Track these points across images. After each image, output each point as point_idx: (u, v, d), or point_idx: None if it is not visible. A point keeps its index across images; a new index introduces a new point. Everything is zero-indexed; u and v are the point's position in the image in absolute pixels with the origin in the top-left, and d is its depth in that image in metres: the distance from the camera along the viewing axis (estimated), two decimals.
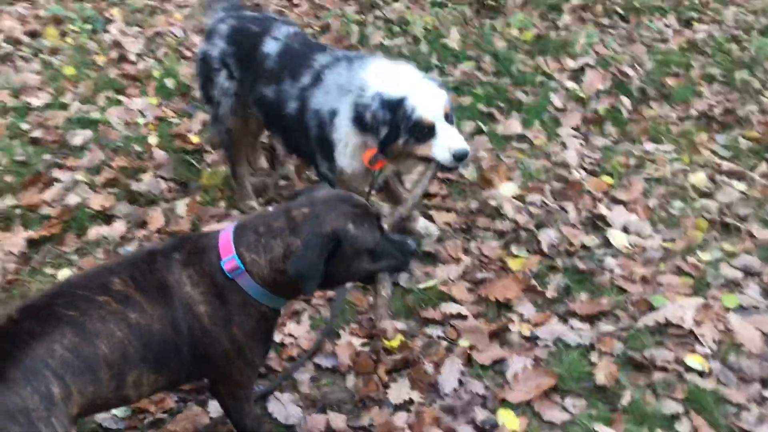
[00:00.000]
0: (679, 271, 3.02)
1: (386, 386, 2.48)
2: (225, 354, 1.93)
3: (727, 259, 3.07)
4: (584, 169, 3.80)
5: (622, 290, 2.91)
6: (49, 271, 2.97)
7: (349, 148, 2.78)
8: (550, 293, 2.88)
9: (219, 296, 1.88)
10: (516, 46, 5.01)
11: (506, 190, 3.51)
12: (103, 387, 1.74)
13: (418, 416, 2.35)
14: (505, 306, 2.83)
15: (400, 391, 2.45)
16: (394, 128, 2.60)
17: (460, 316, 2.77)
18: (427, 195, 3.47)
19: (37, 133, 3.85)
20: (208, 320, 1.88)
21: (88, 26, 5.11)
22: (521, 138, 4.08)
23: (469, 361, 2.58)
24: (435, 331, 2.72)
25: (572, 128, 4.18)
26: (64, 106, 4.12)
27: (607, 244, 3.19)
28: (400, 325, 2.73)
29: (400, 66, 2.84)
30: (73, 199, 3.36)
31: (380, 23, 5.32)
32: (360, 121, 2.68)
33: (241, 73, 3.11)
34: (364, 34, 5.03)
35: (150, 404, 2.38)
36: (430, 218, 3.30)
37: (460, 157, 2.62)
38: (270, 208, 2.06)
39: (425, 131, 2.61)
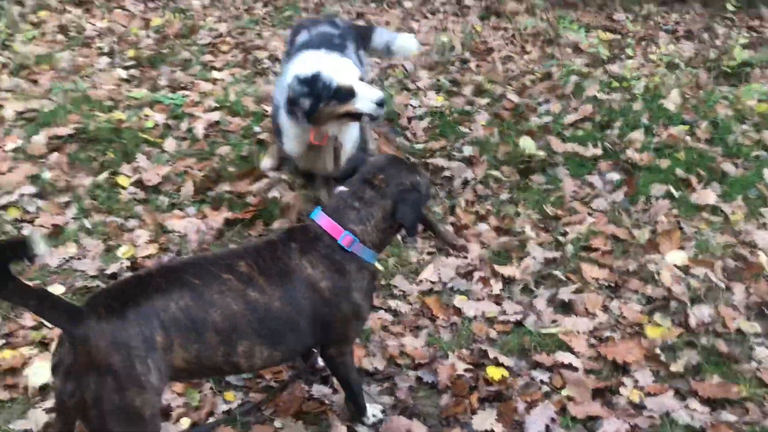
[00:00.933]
0: None
1: (474, 412, 2.56)
2: (344, 318, 2.25)
3: None
4: None
5: (764, 385, 2.65)
6: (232, 246, 3.48)
7: (290, 135, 3.32)
8: (676, 367, 2.72)
9: (338, 271, 2.21)
10: (744, 116, 4.68)
11: (673, 257, 3.35)
12: (209, 349, 2.01)
13: None
14: (622, 369, 2.74)
15: (485, 420, 2.51)
16: (315, 98, 3.03)
17: (571, 367, 2.74)
18: (588, 248, 3.45)
19: (263, 136, 4.50)
20: (329, 293, 2.20)
21: None
22: (714, 210, 3.83)
23: (563, 410, 2.55)
24: (541, 376, 2.72)
25: None
26: None
27: None
28: (509, 361, 2.77)
29: (316, 53, 3.27)
30: (272, 194, 3.89)
31: (604, 77, 5.29)
32: (291, 112, 3.16)
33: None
34: (580, 86, 5.05)
35: (268, 372, 2.72)
36: (578, 271, 3.28)
37: (380, 103, 3.02)
38: (340, 188, 2.37)
39: (346, 93, 3.03)
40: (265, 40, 6.19)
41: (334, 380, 2.60)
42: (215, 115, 4.68)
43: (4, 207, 3.70)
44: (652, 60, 5.81)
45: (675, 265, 3.28)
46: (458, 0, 7.38)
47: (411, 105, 4.94)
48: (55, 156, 4.20)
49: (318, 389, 2.65)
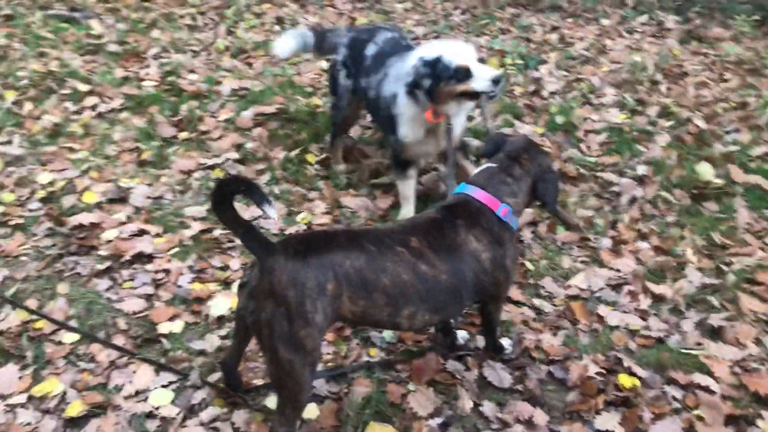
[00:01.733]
0: None
1: (598, 412, 2.63)
2: (498, 283, 2.56)
3: None
4: None
5: None
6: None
7: (408, 119, 3.56)
8: None
9: (498, 242, 2.49)
10: None
11: None
12: (376, 307, 2.28)
13: None
14: (764, 402, 2.66)
15: (607, 421, 2.58)
16: (436, 77, 3.30)
17: (708, 390, 2.71)
18: (752, 281, 3.35)
19: None
20: (489, 264, 2.48)
21: (521, 62, 5.94)
22: None
23: (690, 427, 2.55)
24: (673, 392, 2.72)
25: None
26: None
27: None
28: (643, 373, 2.80)
29: (438, 42, 3.59)
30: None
31: None
32: (412, 93, 3.45)
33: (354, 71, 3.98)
34: None
35: (409, 338, 2.97)
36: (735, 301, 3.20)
37: (496, 80, 3.24)
38: (489, 164, 2.64)
39: (464, 73, 3.27)
40: None
41: (469, 360, 2.81)
42: None
43: (212, 167, 4.28)
44: None
45: None
46: (660, 22, 7.20)
47: (591, 119, 4.98)
48: (258, 130, 4.75)
49: (452, 364, 2.85)
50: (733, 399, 2.69)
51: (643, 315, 3.17)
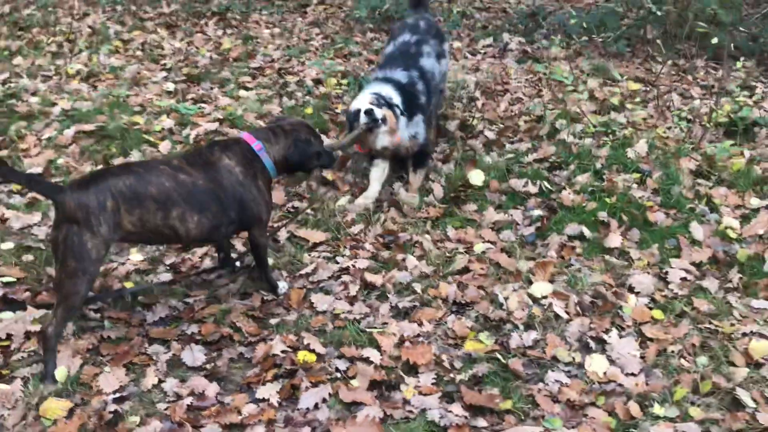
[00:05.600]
0: None
1: (263, 383, 2.94)
2: (255, 199, 3.28)
3: None
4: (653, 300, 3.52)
5: (534, 403, 2.80)
6: None
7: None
8: (460, 376, 2.94)
9: (249, 163, 3.29)
10: (707, 172, 4.64)
11: (537, 287, 3.53)
12: (149, 213, 2.97)
13: None
14: (415, 370, 2.99)
15: (267, 390, 2.89)
16: (349, 125, 4.36)
17: (368, 361, 3.03)
18: (466, 270, 3.70)
19: None
20: (243, 177, 3.24)
21: (353, 82, 6.34)
22: (622, 254, 3.91)
23: (336, 393, 2.86)
24: (339, 364, 3.04)
25: (691, 263, 3.82)
26: None
27: None
28: (322, 350, 3.12)
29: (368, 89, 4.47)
30: None
31: (589, 124, 5.40)
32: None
33: None
34: (557, 129, 5.22)
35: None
36: (435, 287, 3.54)
37: (367, 112, 4.19)
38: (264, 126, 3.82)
39: (357, 113, 4.24)
40: (303, 68, 6.85)
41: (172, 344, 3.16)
42: (214, 125, 5.35)
43: None
44: (663, 112, 5.80)
45: (530, 294, 3.44)
46: (506, 44, 7.65)
47: None
48: (73, 146, 5.04)
49: (154, 348, 3.16)
50: (386, 368, 3.00)
51: (352, 301, 3.49)
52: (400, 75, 4.61)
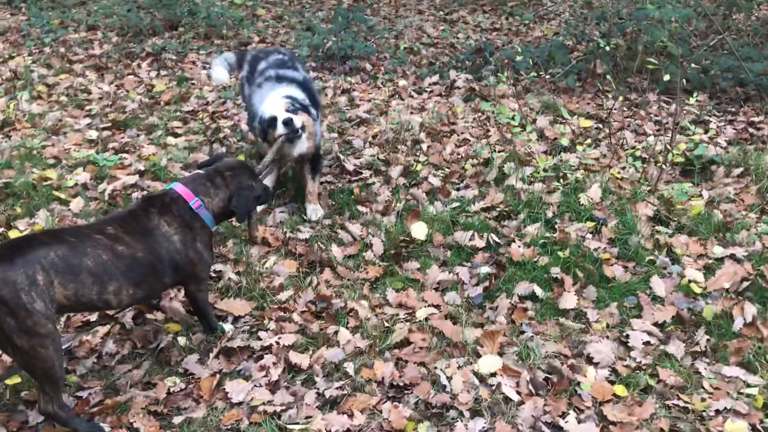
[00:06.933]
0: None
1: None
2: (192, 262, 3.05)
3: None
4: (614, 371, 3.14)
5: None
6: None
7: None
8: None
9: (187, 226, 3.03)
10: (666, 218, 4.32)
11: (485, 362, 3.13)
12: (85, 288, 2.68)
13: None
14: None
15: None
16: (261, 131, 4.28)
17: None
18: (404, 342, 3.28)
19: None
20: (180, 245, 2.99)
21: None
22: (578, 316, 3.54)
23: None
24: None
25: (654, 324, 3.47)
26: None
27: None
28: None
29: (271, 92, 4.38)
30: None
31: (536, 167, 5.08)
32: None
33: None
34: (505, 173, 4.88)
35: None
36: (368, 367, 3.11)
37: (286, 122, 4.07)
38: (198, 171, 3.31)
39: (273, 120, 4.14)
40: (239, 112, 6.43)
41: None
42: (134, 179, 4.88)
43: None
44: (617, 151, 5.51)
45: (477, 372, 3.04)
46: (453, 81, 7.35)
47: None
48: None
49: None
50: None
51: (274, 388, 3.04)
52: (294, 74, 4.62)
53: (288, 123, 4.05)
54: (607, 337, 3.39)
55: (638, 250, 3.98)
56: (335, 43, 7.87)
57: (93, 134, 5.85)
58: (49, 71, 7.51)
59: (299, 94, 4.39)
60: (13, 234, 4.22)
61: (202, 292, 3.22)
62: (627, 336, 3.38)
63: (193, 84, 7.29)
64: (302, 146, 4.21)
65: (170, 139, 5.72)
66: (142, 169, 5.06)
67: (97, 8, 9.64)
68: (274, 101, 4.23)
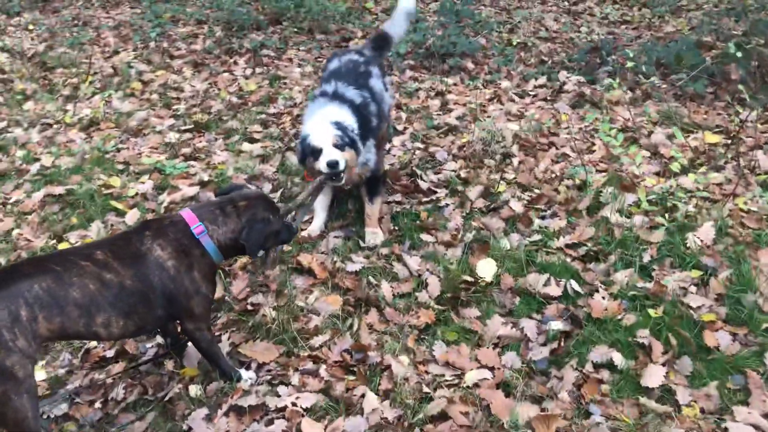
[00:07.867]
0: None
1: None
2: (188, 294, 2.74)
3: None
4: None
5: None
6: None
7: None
8: None
9: (184, 252, 2.73)
10: None
11: None
12: (71, 321, 2.47)
13: None
14: None
15: None
16: (301, 153, 3.85)
17: None
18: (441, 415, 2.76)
19: None
20: (174, 271, 2.69)
21: None
22: (664, 395, 2.86)
23: None
24: None
25: (764, 415, 2.74)
26: None
27: None
28: None
29: (322, 110, 3.90)
30: None
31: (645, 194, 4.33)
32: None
33: None
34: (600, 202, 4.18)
35: None
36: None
37: (330, 165, 3.64)
38: (214, 199, 3.06)
39: (318, 152, 3.70)
40: None
41: None
42: (194, 190, 4.63)
43: None
44: (745, 176, 4.63)
45: None
46: (563, 83, 6.61)
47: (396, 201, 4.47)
48: (33, 215, 4.44)
49: None
50: None
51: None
52: (353, 94, 4.07)
53: (333, 165, 3.64)
54: (699, 427, 2.70)
55: (753, 314, 3.20)
56: (437, 40, 7.31)
57: (173, 137, 5.69)
58: (148, 67, 7.49)
59: (350, 120, 3.86)
60: (63, 246, 4.08)
61: (203, 331, 2.88)
62: (726, 430, 2.67)
63: (284, 83, 7.00)
64: (341, 181, 3.78)
65: (246, 145, 5.44)
66: (206, 179, 4.80)
67: (210, 2, 9.58)
68: (322, 128, 3.77)
